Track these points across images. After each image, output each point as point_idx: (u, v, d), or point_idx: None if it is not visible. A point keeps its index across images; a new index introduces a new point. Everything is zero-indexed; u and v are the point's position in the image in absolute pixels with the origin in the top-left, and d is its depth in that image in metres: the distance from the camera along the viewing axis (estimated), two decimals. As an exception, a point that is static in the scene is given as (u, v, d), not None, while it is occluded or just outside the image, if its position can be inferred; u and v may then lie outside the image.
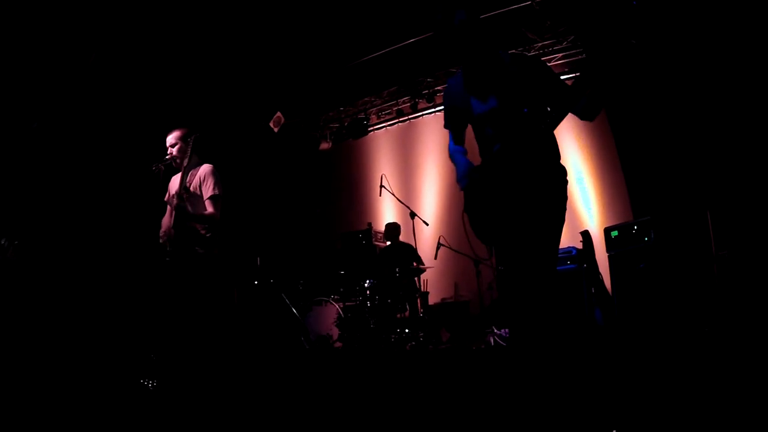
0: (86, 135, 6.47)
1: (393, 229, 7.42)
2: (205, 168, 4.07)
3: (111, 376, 4.60)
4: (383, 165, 9.19)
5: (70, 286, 5.84)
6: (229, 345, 5.59)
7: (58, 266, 5.84)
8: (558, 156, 2.69)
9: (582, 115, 2.60)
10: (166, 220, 4.13)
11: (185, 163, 4.05)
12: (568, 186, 2.71)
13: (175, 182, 4.16)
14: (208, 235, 3.96)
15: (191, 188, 4.00)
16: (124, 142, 6.58)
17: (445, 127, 2.98)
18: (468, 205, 2.78)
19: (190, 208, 3.88)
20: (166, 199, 4.23)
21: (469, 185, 2.73)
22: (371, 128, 9.46)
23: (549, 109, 2.57)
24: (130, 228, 6.24)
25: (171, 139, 4.12)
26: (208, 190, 3.97)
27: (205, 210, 3.95)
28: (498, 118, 2.65)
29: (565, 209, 2.66)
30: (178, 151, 4.08)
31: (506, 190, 2.58)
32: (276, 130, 8.67)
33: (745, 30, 5.22)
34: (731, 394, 2.49)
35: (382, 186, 7.11)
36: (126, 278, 6.17)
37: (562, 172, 2.68)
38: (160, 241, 4.07)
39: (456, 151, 2.92)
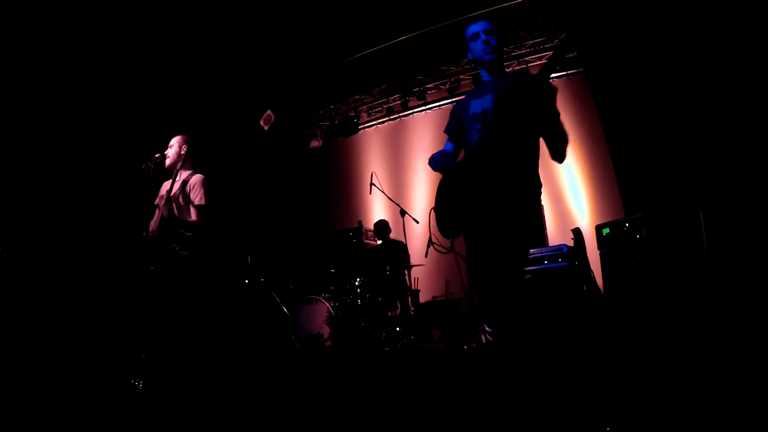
0: (77, 134, 6.40)
1: (382, 227, 7.39)
2: (196, 177, 4.16)
3: (101, 376, 4.54)
4: (374, 163, 9.16)
5: (58, 287, 5.77)
6: (218, 344, 5.55)
7: (47, 266, 5.77)
8: (535, 164, 2.75)
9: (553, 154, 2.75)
10: (153, 223, 4.17)
11: (179, 167, 4.15)
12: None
13: (166, 186, 4.24)
14: (192, 239, 4.02)
15: (180, 194, 4.08)
16: (115, 141, 6.52)
17: (446, 131, 3.09)
18: (437, 199, 2.90)
19: (176, 212, 3.97)
20: (156, 201, 4.28)
21: (442, 176, 2.87)
22: (362, 126, 9.46)
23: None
24: (118, 228, 6.18)
25: (173, 141, 4.25)
26: (195, 199, 4.06)
27: (190, 217, 4.02)
28: (486, 117, 2.77)
29: (534, 218, 2.73)
30: (176, 154, 4.19)
31: (474, 187, 2.68)
32: (266, 128, 8.62)
33: (738, 29, 5.24)
34: (723, 391, 2.49)
35: (372, 184, 7.09)
36: (114, 279, 6.11)
37: (536, 181, 2.73)
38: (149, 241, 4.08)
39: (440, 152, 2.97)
